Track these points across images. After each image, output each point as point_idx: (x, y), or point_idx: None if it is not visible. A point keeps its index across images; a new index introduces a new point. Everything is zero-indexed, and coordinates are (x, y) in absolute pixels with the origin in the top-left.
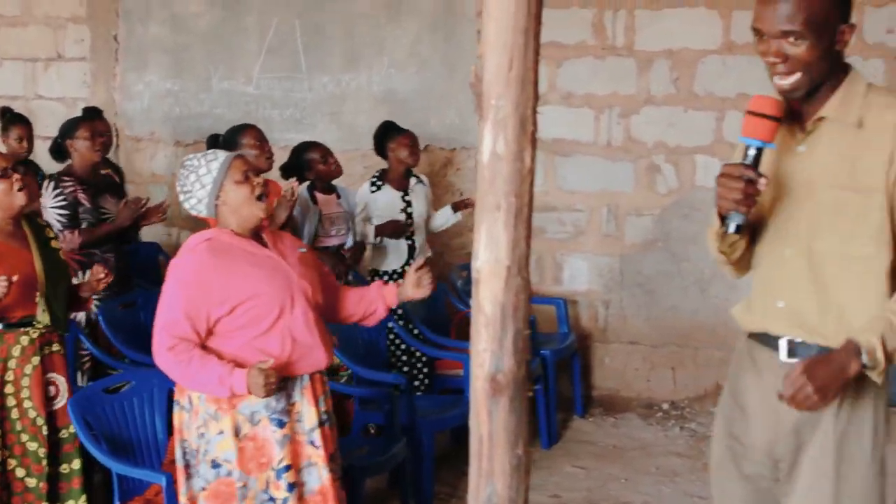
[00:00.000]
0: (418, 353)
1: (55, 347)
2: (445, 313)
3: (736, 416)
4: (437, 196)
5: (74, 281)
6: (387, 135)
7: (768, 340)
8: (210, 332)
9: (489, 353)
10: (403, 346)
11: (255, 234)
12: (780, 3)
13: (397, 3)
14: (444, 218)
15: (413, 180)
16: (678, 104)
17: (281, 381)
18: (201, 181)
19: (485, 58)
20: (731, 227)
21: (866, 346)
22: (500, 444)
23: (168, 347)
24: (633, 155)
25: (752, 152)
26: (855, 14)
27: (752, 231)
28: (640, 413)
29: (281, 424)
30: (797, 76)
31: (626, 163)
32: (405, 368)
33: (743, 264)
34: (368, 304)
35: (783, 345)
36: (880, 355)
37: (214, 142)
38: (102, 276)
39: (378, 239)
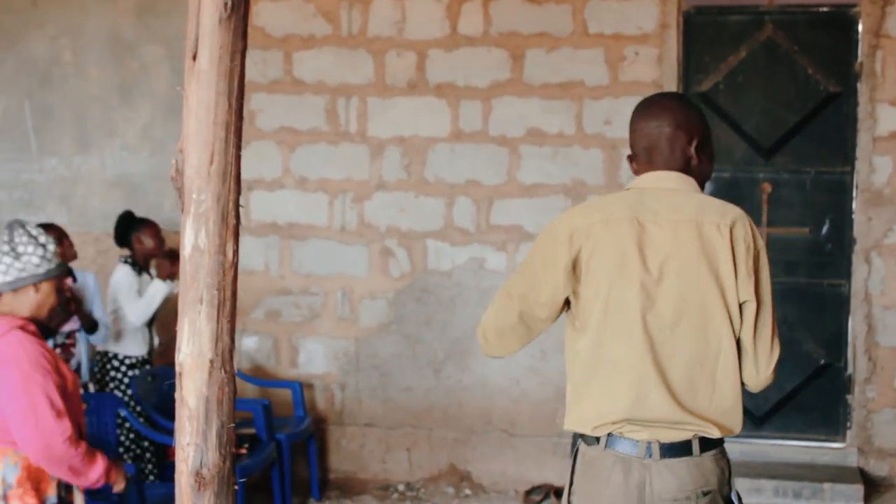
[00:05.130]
0: (151, 440)
1: None
2: None
3: None
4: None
5: None
6: (131, 225)
7: None
8: None
9: (193, 447)
10: (135, 434)
11: None
12: None
13: (130, 85)
14: (154, 288)
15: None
16: (410, 189)
17: None
18: (32, 254)
19: (186, 152)
20: None
21: None
22: None
23: (66, 438)
24: (367, 239)
25: None
26: (574, 105)
27: None
28: (375, 495)
29: None
30: None
31: (360, 246)
32: (146, 455)
33: None
34: None
35: None
36: None
37: None
38: None
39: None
